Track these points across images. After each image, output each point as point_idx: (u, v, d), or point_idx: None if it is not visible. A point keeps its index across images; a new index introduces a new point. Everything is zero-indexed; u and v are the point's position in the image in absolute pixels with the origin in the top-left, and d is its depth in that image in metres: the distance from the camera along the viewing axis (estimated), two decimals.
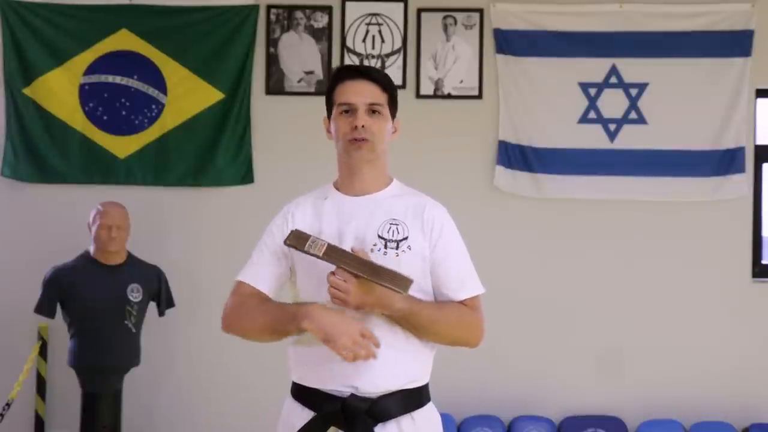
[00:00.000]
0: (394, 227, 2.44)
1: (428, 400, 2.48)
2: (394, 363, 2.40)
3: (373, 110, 2.49)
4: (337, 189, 2.55)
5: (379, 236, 2.43)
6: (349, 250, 2.38)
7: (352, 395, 2.37)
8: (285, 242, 2.42)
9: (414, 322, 2.40)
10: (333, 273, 2.35)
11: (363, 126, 2.46)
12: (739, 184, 5.14)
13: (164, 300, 4.91)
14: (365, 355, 2.33)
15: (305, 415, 2.43)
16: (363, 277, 2.34)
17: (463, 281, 2.49)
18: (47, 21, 5.25)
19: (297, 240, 2.41)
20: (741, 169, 5.13)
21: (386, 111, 2.52)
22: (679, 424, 5.08)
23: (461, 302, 2.48)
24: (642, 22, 5.18)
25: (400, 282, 2.35)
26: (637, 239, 5.19)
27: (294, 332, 2.40)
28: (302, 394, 2.46)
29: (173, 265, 5.00)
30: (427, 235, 2.47)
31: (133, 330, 4.74)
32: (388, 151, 2.56)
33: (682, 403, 5.10)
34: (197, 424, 5.19)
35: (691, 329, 5.16)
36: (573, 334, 5.15)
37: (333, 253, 2.37)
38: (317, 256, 2.37)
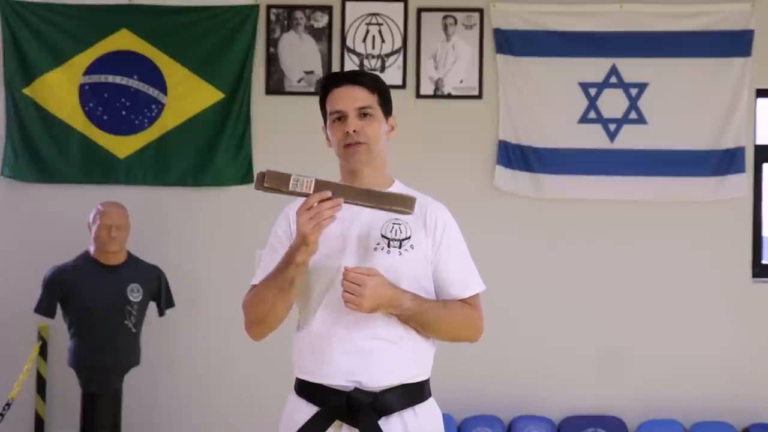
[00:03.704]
0: (396, 227, 2.46)
1: (429, 395, 2.51)
2: (395, 358, 2.44)
3: (363, 113, 2.52)
4: None
5: (382, 235, 2.45)
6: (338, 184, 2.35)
7: (356, 389, 2.40)
8: (261, 187, 2.34)
9: (421, 321, 2.44)
10: (346, 278, 2.34)
11: (355, 131, 2.49)
12: (739, 184, 5.13)
13: (164, 300, 4.91)
14: (329, 210, 2.30)
15: (309, 410, 2.45)
16: (368, 206, 2.34)
17: (467, 280, 2.53)
18: (47, 21, 5.25)
19: (276, 181, 2.32)
20: (741, 169, 5.13)
21: (377, 112, 2.54)
22: (680, 425, 5.08)
23: (463, 300, 2.52)
24: (642, 22, 5.18)
25: (405, 202, 2.36)
26: (637, 239, 5.20)
27: (295, 274, 2.39)
28: (306, 389, 2.48)
29: (173, 265, 5.00)
30: (431, 235, 2.50)
31: (133, 330, 4.74)
32: (386, 151, 2.57)
33: (682, 403, 5.10)
34: (197, 424, 5.18)
35: (691, 329, 5.16)
36: (573, 333, 5.16)
37: (325, 188, 2.32)
38: (306, 195, 2.32)
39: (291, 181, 2.31)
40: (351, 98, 2.52)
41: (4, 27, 5.24)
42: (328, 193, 2.30)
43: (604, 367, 5.13)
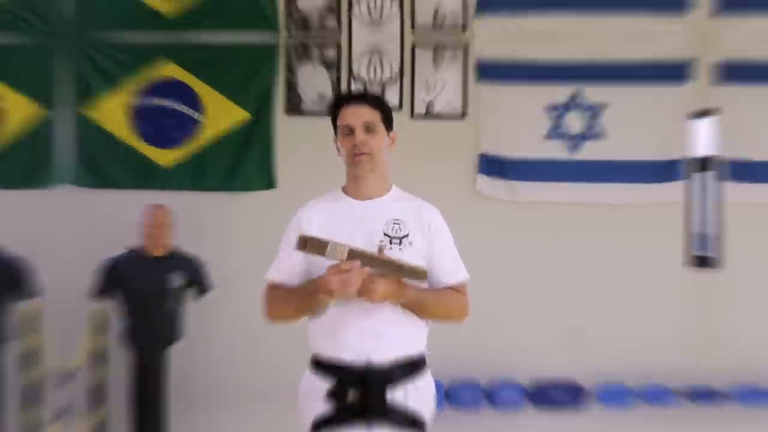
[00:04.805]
0: (397, 226, 2.69)
1: (426, 367, 2.76)
2: (399, 337, 2.67)
3: (368, 128, 2.70)
4: (346, 194, 2.79)
5: (384, 234, 2.67)
6: (370, 250, 2.55)
7: (368, 363, 2.63)
8: (303, 249, 2.50)
9: (420, 307, 2.67)
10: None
11: (361, 142, 2.69)
12: (679, 188, 5.43)
13: (201, 285, 5.22)
14: (357, 281, 2.46)
15: (324, 383, 2.68)
16: (388, 275, 2.55)
17: (455, 270, 2.75)
18: (107, 56, 5.59)
19: (315, 247, 2.50)
20: (681, 177, 5.45)
21: (380, 127, 2.73)
22: (629, 388, 5.40)
23: (453, 288, 2.74)
24: (602, 50, 5.42)
25: (418, 274, 2.60)
26: (596, 234, 5.45)
27: (314, 306, 2.62)
28: (321, 365, 2.70)
29: (208, 257, 5.22)
30: (425, 233, 2.70)
31: (176, 310, 5.11)
32: (388, 162, 2.78)
33: (631, 370, 5.36)
34: (227, 394, 5.42)
35: (638, 308, 5.40)
36: (543, 314, 5.43)
37: (355, 257, 2.50)
38: (339, 260, 2.51)
39: (328, 249, 2.51)
40: (358, 115, 2.71)
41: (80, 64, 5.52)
42: (357, 263, 2.49)
43: (568, 341, 5.40)
